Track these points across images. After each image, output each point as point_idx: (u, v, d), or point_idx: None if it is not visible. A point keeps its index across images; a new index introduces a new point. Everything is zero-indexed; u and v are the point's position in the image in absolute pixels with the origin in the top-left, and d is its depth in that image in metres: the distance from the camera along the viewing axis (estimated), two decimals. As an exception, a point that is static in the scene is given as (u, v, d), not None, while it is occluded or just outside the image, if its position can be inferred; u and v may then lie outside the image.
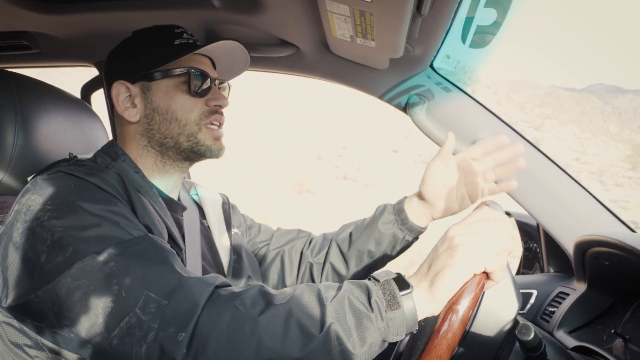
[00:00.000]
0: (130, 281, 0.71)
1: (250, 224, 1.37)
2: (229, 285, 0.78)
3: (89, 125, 1.24)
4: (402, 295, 0.72)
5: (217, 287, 0.74)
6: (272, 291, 0.76)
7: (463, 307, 0.70)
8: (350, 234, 1.25)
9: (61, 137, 1.11)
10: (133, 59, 1.02)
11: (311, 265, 1.27)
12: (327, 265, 1.25)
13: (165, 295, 0.71)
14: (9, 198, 1.95)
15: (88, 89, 1.63)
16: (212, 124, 1.04)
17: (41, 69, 1.60)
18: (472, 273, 0.71)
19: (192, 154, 1.03)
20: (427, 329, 0.89)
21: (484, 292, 0.86)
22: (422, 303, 0.73)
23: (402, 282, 0.74)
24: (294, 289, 0.76)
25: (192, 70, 1.01)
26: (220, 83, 1.10)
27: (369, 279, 0.77)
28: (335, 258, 1.25)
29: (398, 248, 1.19)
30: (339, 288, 0.75)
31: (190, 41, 1.04)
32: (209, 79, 1.04)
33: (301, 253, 1.30)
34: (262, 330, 0.69)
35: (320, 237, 1.33)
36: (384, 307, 0.71)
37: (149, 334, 0.68)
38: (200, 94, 1.02)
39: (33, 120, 1.03)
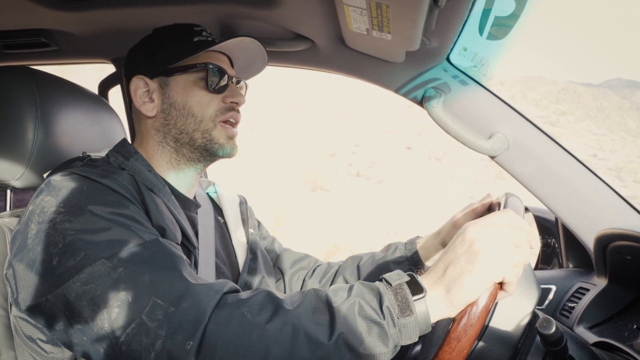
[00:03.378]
0: (137, 287, 0.71)
1: (265, 235, 1.38)
2: (237, 291, 0.77)
3: (107, 120, 1.25)
4: (415, 300, 0.70)
5: (225, 293, 0.74)
6: (280, 296, 0.75)
7: (473, 319, 0.69)
8: (359, 268, 1.26)
9: (80, 132, 1.12)
10: (152, 55, 1.03)
11: None
12: None
13: (173, 302, 0.70)
14: (27, 195, 1.98)
15: (105, 85, 1.65)
16: (227, 121, 1.04)
17: (58, 70, 1.62)
18: (492, 282, 0.69)
19: (205, 152, 1.04)
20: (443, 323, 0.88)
21: (496, 303, 0.85)
22: (437, 306, 0.71)
23: (415, 286, 0.71)
24: (302, 295, 0.74)
25: (210, 66, 1.02)
26: (238, 82, 1.11)
27: (381, 281, 0.75)
28: None
29: None
30: (350, 290, 0.73)
31: (209, 39, 1.05)
32: (226, 76, 1.04)
33: (303, 281, 1.32)
34: (270, 339, 0.68)
35: (324, 267, 1.34)
36: (397, 314, 0.70)
37: (156, 342, 0.68)
38: (218, 90, 1.03)
39: (52, 116, 1.04)
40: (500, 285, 0.71)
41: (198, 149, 1.03)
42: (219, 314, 0.70)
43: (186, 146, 1.03)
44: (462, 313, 0.70)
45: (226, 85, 1.05)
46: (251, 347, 0.68)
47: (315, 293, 0.74)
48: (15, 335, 0.88)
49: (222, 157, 1.06)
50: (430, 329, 0.71)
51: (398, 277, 0.73)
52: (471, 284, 0.68)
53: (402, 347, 0.73)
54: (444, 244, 1.15)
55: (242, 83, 1.13)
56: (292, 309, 0.71)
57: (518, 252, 0.70)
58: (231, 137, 1.05)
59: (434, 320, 0.71)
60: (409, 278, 0.73)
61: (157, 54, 1.03)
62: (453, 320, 0.71)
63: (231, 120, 1.05)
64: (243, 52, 1.12)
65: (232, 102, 1.05)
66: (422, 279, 0.73)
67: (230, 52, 1.10)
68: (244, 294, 0.75)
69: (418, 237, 1.23)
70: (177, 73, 1.02)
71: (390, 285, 0.72)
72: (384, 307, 0.70)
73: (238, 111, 1.07)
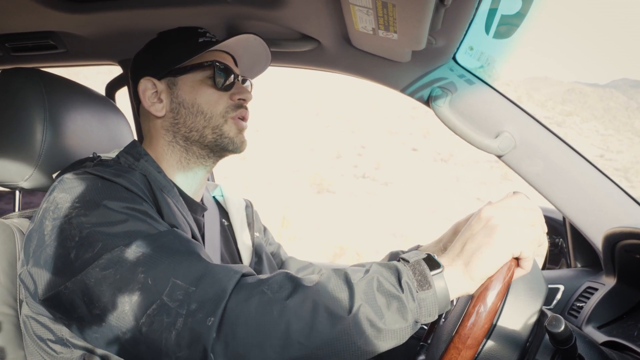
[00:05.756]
0: (156, 270, 0.72)
1: (271, 241, 1.39)
2: (254, 274, 0.78)
3: (114, 122, 1.26)
4: (433, 275, 0.71)
5: (244, 275, 0.75)
6: (298, 275, 0.76)
7: (494, 292, 0.70)
8: None
9: (87, 133, 1.13)
10: (159, 56, 1.05)
11: None
12: None
13: (193, 282, 0.71)
14: (35, 197, 1.99)
15: (113, 86, 1.66)
16: (237, 117, 1.06)
17: (65, 72, 1.63)
18: (510, 254, 0.70)
19: (216, 147, 1.05)
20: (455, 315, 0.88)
21: (508, 293, 0.85)
22: (456, 282, 0.71)
23: (432, 262, 0.72)
24: (320, 274, 0.75)
25: (217, 64, 1.04)
26: (244, 81, 1.12)
27: (398, 260, 0.76)
28: None
29: None
30: (367, 271, 0.74)
31: (213, 39, 1.07)
32: (232, 74, 1.06)
33: None
34: (290, 314, 0.68)
35: None
36: (415, 288, 0.70)
37: (177, 320, 0.69)
38: (225, 88, 1.05)
39: (61, 117, 1.05)
40: (517, 261, 0.72)
41: (208, 145, 1.05)
42: (239, 292, 0.71)
43: (196, 144, 1.04)
44: (482, 288, 0.71)
45: (233, 83, 1.06)
46: (272, 322, 0.68)
47: (333, 271, 0.75)
48: (25, 335, 0.88)
49: (232, 152, 1.07)
50: (449, 306, 0.72)
51: (415, 255, 0.75)
52: (490, 257, 0.70)
53: (408, 348, 0.73)
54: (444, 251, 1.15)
55: (247, 82, 1.15)
56: (311, 286, 0.72)
57: (533, 230, 0.72)
58: (241, 130, 1.07)
59: (453, 295, 0.71)
60: (426, 255, 0.74)
61: (164, 56, 1.04)
62: (472, 296, 0.72)
63: (240, 117, 1.07)
64: (247, 51, 1.14)
65: (239, 99, 1.06)
66: (440, 258, 0.74)
67: (234, 51, 1.12)
68: (262, 275, 0.76)
69: (419, 245, 1.23)
70: (185, 73, 1.03)
71: (408, 262, 0.74)
72: (402, 282, 0.71)
73: (246, 108, 1.09)
